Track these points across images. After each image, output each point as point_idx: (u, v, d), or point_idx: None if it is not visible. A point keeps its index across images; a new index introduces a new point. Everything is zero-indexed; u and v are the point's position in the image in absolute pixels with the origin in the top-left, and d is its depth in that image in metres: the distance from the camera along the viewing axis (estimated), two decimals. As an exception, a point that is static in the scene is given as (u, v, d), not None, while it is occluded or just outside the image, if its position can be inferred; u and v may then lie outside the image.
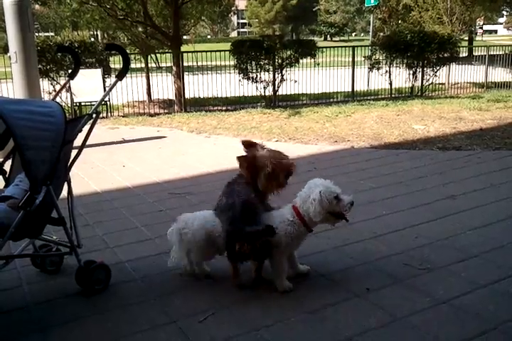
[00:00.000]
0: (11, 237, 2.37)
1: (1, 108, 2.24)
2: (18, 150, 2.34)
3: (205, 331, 2.24)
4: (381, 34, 16.58)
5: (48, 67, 8.79)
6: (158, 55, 13.36)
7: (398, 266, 2.79)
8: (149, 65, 11.64)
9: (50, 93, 8.62)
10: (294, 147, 6.00)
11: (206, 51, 10.54)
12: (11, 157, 2.80)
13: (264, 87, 10.09)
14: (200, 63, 11.08)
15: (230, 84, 10.04)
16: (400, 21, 20.59)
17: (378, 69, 11.16)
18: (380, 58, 11.20)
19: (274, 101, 10.27)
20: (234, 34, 67.69)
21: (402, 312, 2.34)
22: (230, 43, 10.26)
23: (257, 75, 9.98)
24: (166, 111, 9.88)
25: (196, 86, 10.13)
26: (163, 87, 10.07)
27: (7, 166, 2.78)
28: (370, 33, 17.27)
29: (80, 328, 2.33)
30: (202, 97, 10.57)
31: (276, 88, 10.24)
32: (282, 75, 10.12)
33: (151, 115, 9.25)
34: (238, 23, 71.68)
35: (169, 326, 2.29)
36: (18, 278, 2.82)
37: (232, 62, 10.09)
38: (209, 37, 57.85)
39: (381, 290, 2.55)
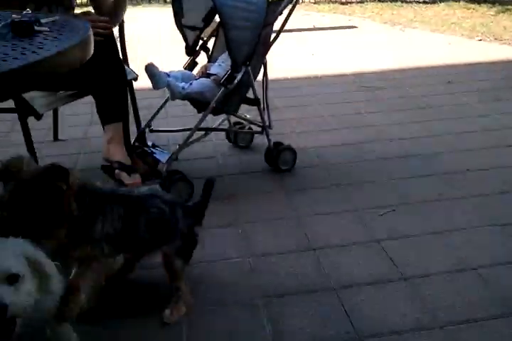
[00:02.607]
0: (212, 111, 2.54)
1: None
2: (223, 29, 2.40)
3: (383, 224, 2.26)
4: None
5: None
6: None
7: None
8: None
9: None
10: (500, 49, 5.36)
11: None
12: (215, 35, 2.89)
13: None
14: None
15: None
16: None
17: None
18: None
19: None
20: None
21: None
22: None
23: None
24: (358, -1, 9.37)
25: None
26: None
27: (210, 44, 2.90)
28: None
29: (263, 199, 2.51)
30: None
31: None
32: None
33: (342, 3, 8.82)
34: None
35: (349, 214, 2.35)
36: (214, 150, 3.08)
37: None
38: None
39: None
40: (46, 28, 1.45)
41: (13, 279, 1.18)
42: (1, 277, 1.16)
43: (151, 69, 2.47)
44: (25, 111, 2.28)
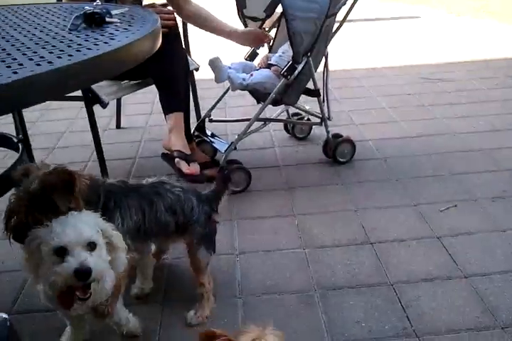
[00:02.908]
0: (271, 102, 2.55)
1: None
2: (285, 19, 2.39)
3: (444, 220, 2.21)
4: None
5: None
6: None
7: None
8: None
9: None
10: None
11: None
12: (276, 26, 2.89)
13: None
14: None
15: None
16: None
17: None
18: None
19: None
20: None
21: None
22: None
23: None
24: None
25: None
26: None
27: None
28: None
29: (320, 191, 2.50)
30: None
31: None
32: None
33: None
34: None
35: (408, 208, 2.31)
36: (271, 140, 3.09)
37: None
38: None
39: None
40: (117, 20, 1.49)
41: (92, 247, 1.26)
42: (82, 244, 1.23)
43: (214, 63, 2.50)
44: (91, 100, 2.36)
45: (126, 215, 1.52)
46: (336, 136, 2.76)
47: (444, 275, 1.88)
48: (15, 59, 1.14)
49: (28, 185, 1.35)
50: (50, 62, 1.08)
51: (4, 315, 0.66)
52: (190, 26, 2.95)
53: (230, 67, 2.58)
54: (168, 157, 2.56)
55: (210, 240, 1.75)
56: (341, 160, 2.74)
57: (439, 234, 2.11)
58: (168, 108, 2.52)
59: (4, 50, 1.26)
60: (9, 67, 1.07)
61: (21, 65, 1.08)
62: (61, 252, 1.22)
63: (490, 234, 2.10)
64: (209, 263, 1.75)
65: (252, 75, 2.55)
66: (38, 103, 1.05)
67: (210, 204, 1.73)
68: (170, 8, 2.54)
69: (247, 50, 2.78)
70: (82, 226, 1.25)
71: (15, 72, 1.02)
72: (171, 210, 1.61)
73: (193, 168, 2.46)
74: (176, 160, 2.46)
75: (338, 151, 2.72)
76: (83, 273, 1.20)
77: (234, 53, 2.93)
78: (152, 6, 2.44)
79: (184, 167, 2.44)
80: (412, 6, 7.24)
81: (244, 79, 2.53)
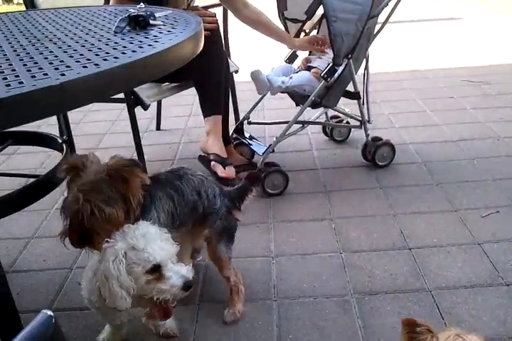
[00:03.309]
0: (310, 105, 2.54)
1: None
2: (326, 21, 2.38)
3: (486, 226, 2.16)
4: None
5: None
6: None
7: None
8: None
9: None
10: None
11: None
12: (317, 28, 2.88)
13: None
14: None
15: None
16: None
17: None
18: None
19: None
20: None
21: None
22: None
23: None
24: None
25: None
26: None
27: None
28: None
29: (358, 195, 2.47)
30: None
31: None
32: None
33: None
34: None
35: (449, 214, 2.27)
36: (309, 143, 3.08)
37: None
38: None
39: None
40: (160, 22, 1.52)
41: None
42: (171, 258, 1.32)
43: (256, 75, 2.51)
44: (133, 102, 2.40)
45: (159, 208, 1.53)
46: (376, 139, 2.73)
47: (484, 282, 1.83)
48: (62, 61, 1.18)
49: (89, 178, 1.33)
50: (96, 65, 1.11)
51: (49, 312, 0.68)
52: (230, 28, 2.98)
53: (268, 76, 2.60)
54: (204, 159, 2.58)
55: (231, 234, 1.74)
56: (380, 163, 2.71)
57: (480, 241, 2.07)
58: (206, 111, 2.54)
59: (52, 52, 1.30)
60: (57, 69, 1.10)
61: (68, 67, 1.11)
62: (154, 270, 1.29)
63: (533, 241, 2.05)
64: (231, 257, 1.74)
65: (291, 78, 2.55)
66: (84, 104, 1.08)
67: (232, 199, 1.72)
68: (212, 10, 2.56)
69: (286, 52, 2.79)
70: (164, 242, 1.32)
71: (63, 74, 1.05)
72: (195, 191, 1.61)
73: (229, 172, 2.47)
74: (212, 163, 2.48)
75: (377, 155, 2.69)
76: (190, 285, 1.31)
77: (274, 55, 2.94)
78: (195, 8, 2.47)
79: (219, 170, 2.46)
80: (454, 7, 7.10)
81: (283, 82, 2.53)
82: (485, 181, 2.52)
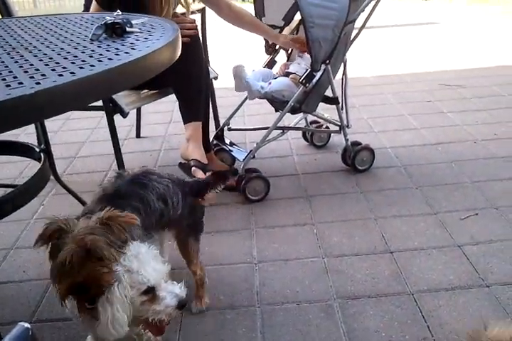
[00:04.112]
0: (290, 110, 2.55)
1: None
2: (304, 27, 2.40)
3: (465, 229, 2.18)
4: None
5: None
6: None
7: None
8: None
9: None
10: None
11: None
12: (295, 34, 2.89)
13: None
14: None
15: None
16: None
17: None
18: None
19: None
20: None
21: None
22: None
23: None
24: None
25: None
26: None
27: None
28: None
29: (339, 200, 2.48)
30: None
31: None
32: None
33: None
34: None
35: (429, 217, 2.29)
36: (290, 148, 3.09)
37: None
38: None
39: None
40: (137, 29, 1.51)
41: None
42: (164, 277, 1.32)
43: (238, 71, 2.52)
44: (112, 109, 2.39)
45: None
46: (355, 143, 2.75)
47: (465, 284, 1.85)
48: (37, 70, 1.16)
49: (82, 229, 1.25)
50: (72, 73, 1.09)
51: (26, 325, 0.67)
52: (209, 34, 2.99)
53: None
54: (185, 166, 2.57)
55: (198, 227, 1.78)
56: (360, 168, 2.73)
57: (459, 243, 2.09)
58: (186, 117, 2.53)
59: (27, 60, 1.28)
60: (32, 77, 1.09)
61: (44, 75, 1.10)
62: (148, 291, 1.29)
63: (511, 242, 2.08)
64: (199, 250, 1.78)
65: (270, 83, 2.57)
66: (60, 113, 1.07)
67: (194, 193, 1.73)
68: (191, 17, 2.56)
69: (265, 58, 2.80)
70: (156, 262, 1.32)
71: (38, 83, 1.03)
72: (162, 200, 1.59)
73: None
74: (193, 169, 2.47)
75: (357, 159, 2.71)
76: (184, 304, 1.32)
77: (252, 61, 2.94)
78: (175, 15, 2.47)
79: (200, 176, 2.45)
80: (431, 12, 7.22)
81: (262, 87, 2.54)
82: (463, 184, 2.55)
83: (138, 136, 3.46)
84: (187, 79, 2.43)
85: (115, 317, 1.24)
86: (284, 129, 2.79)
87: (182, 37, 1.51)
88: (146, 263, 1.29)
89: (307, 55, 2.54)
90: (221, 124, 2.88)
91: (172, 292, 1.30)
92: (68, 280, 1.21)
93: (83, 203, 2.40)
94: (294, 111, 2.60)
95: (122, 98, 2.47)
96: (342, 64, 2.70)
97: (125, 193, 1.54)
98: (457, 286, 1.84)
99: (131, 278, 1.26)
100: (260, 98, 2.63)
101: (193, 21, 2.43)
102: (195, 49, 2.43)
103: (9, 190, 2.00)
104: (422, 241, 2.12)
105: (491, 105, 3.54)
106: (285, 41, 2.71)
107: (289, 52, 2.86)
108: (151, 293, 1.29)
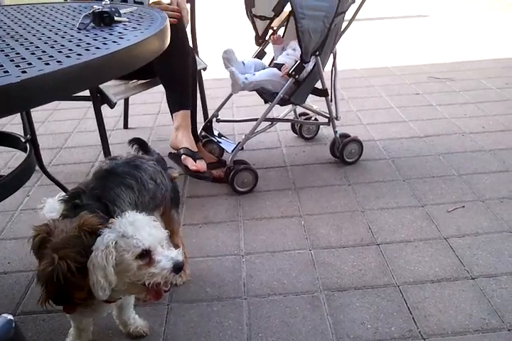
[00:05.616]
0: (279, 102, 2.54)
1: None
2: (294, 18, 2.39)
3: (452, 221, 2.20)
4: None
5: None
6: None
7: None
8: None
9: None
10: None
11: None
12: (284, 25, 2.88)
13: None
14: None
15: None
16: None
17: None
18: None
19: None
20: None
21: None
22: None
23: None
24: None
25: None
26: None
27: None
28: None
29: (327, 192, 2.49)
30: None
31: None
32: None
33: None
34: None
35: (416, 209, 2.30)
36: (278, 140, 3.08)
37: None
38: None
39: None
40: (125, 19, 1.49)
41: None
42: (161, 243, 1.34)
43: (228, 53, 2.49)
44: (99, 100, 2.36)
45: (121, 203, 1.52)
46: (344, 135, 2.75)
47: (450, 276, 1.87)
48: (24, 58, 1.15)
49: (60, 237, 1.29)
50: (59, 62, 1.08)
51: (9, 316, 0.66)
52: (198, 26, 2.96)
53: (242, 62, 2.58)
54: (175, 156, 2.56)
55: (177, 202, 1.85)
56: (348, 160, 2.73)
57: (446, 235, 2.10)
58: (174, 106, 2.51)
59: (13, 49, 1.26)
60: (18, 66, 1.07)
61: (30, 64, 1.08)
62: (145, 255, 1.30)
63: (498, 234, 2.09)
64: (180, 223, 1.88)
65: (254, 75, 2.54)
66: (46, 102, 1.05)
67: (165, 166, 1.80)
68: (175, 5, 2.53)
69: (255, 49, 2.78)
70: (152, 228, 1.34)
71: (24, 72, 1.02)
72: (153, 180, 1.65)
73: (200, 165, 2.45)
74: (183, 157, 2.46)
75: (345, 151, 2.71)
76: (180, 267, 1.33)
77: (242, 52, 2.92)
78: (157, 3, 2.44)
79: (190, 163, 2.44)
80: (421, 4, 7.21)
81: (246, 78, 2.51)
82: (451, 176, 2.57)
83: (126, 126, 3.43)
84: (173, 67, 2.41)
85: (96, 281, 1.26)
86: (273, 121, 2.79)
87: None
88: (141, 228, 1.31)
89: (297, 46, 2.52)
90: (209, 116, 2.87)
91: (168, 256, 1.32)
92: (49, 288, 1.28)
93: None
94: (283, 102, 2.59)
95: (110, 88, 2.44)
96: (332, 56, 2.70)
97: (122, 172, 1.59)
98: (443, 278, 1.86)
99: (126, 242, 1.28)
100: (249, 90, 2.62)
101: (177, 9, 2.40)
102: (180, 37, 2.40)
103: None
104: (409, 233, 2.13)
105: (480, 98, 3.56)
106: None
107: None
108: (147, 257, 1.30)
